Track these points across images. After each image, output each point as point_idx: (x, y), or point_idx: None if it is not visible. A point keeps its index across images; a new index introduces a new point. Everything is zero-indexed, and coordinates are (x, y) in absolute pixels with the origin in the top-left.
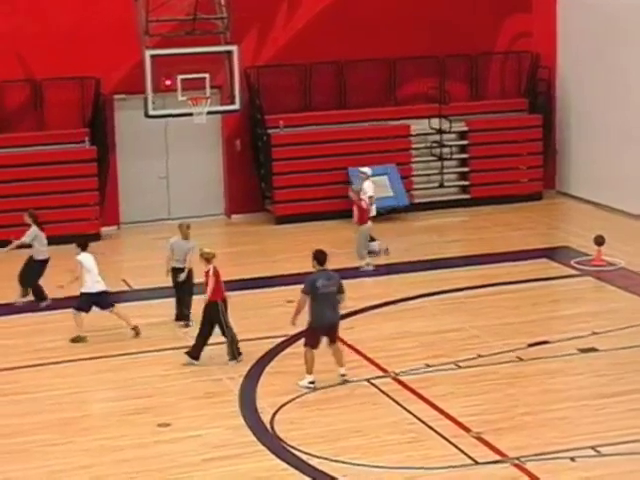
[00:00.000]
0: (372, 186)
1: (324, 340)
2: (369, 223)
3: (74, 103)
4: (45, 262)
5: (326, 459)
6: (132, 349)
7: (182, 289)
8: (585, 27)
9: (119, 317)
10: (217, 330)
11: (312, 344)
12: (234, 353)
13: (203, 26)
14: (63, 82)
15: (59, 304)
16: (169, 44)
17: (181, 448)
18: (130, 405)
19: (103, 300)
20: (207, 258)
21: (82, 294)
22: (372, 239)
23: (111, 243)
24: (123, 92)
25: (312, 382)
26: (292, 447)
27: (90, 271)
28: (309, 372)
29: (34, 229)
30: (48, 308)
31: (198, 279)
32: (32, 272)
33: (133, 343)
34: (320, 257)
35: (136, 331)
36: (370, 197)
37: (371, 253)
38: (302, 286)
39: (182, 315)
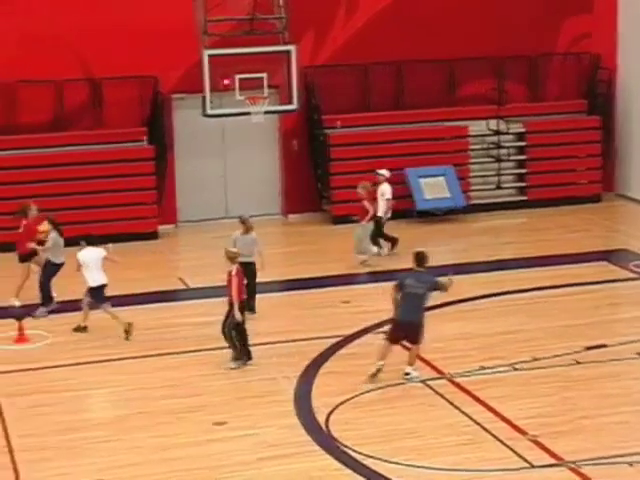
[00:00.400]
0: (390, 189)
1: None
2: (371, 223)
3: (133, 102)
4: (60, 266)
5: (380, 460)
6: (188, 347)
7: (251, 281)
8: None
9: (111, 316)
10: (276, 328)
11: (388, 336)
12: (239, 355)
13: (261, 26)
14: (122, 81)
15: (118, 301)
16: (227, 44)
17: (235, 447)
18: (185, 403)
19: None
20: (231, 257)
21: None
22: (376, 242)
23: (168, 242)
24: (181, 91)
25: (379, 368)
26: (346, 447)
27: (87, 267)
28: (378, 358)
29: (53, 235)
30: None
31: None
32: (46, 273)
33: (189, 341)
34: (417, 257)
35: (128, 331)
36: (387, 200)
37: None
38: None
39: (248, 306)
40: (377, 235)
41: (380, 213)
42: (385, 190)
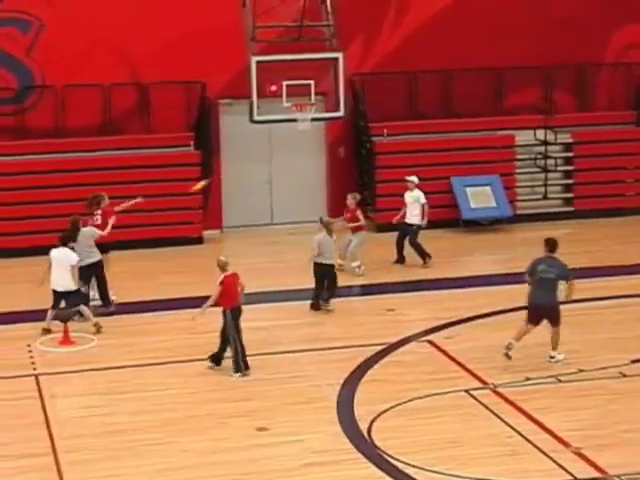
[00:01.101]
0: (416, 195)
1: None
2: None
3: (180, 107)
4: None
5: (422, 469)
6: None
7: (331, 281)
8: None
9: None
10: (321, 335)
11: (527, 319)
12: (239, 365)
13: (309, 33)
14: (170, 86)
15: (162, 305)
16: (275, 50)
17: (280, 452)
18: (231, 408)
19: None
20: (221, 266)
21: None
22: (421, 251)
23: (213, 247)
24: (229, 97)
25: (509, 346)
26: (389, 455)
27: (55, 267)
28: (515, 338)
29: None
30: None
31: None
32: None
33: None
34: (549, 243)
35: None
36: (423, 204)
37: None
38: None
39: (317, 304)
40: (415, 244)
41: (416, 220)
42: (419, 196)
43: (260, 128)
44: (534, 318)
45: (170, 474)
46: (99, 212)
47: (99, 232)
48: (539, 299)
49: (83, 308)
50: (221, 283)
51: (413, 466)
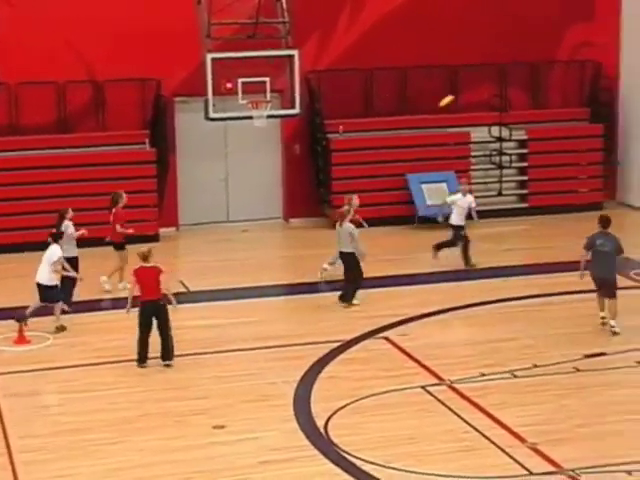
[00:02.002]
0: (463, 199)
1: None
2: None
3: (135, 104)
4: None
5: (379, 465)
6: (189, 350)
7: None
8: None
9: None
10: (277, 332)
11: (597, 290)
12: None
13: (265, 30)
14: (125, 83)
15: (118, 304)
16: (230, 47)
17: (236, 450)
18: (186, 406)
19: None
20: (140, 257)
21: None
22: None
23: (169, 245)
24: (184, 94)
25: (603, 319)
26: (346, 452)
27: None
28: (602, 310)
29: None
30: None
31: None
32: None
33: (190, 344)
34: (603, 220)
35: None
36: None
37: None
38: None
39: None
40: (465, 249)
41: (460, 222)
42: (471, 200)
43: (216, 125)
44: (598, 288)
45: (124, 473)
46: (115, 210)
47: (78, 233)
48: (599, 272)
49: (57, 306)
50: (133, 274)
51: (370, 463)
